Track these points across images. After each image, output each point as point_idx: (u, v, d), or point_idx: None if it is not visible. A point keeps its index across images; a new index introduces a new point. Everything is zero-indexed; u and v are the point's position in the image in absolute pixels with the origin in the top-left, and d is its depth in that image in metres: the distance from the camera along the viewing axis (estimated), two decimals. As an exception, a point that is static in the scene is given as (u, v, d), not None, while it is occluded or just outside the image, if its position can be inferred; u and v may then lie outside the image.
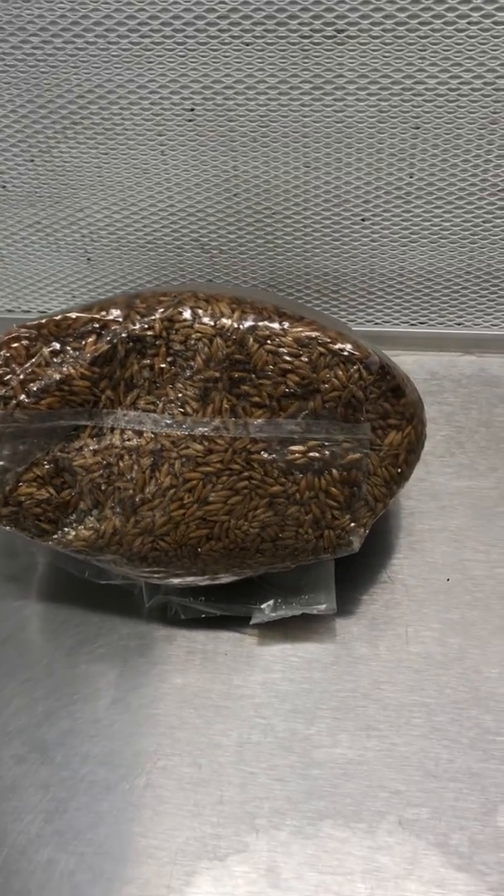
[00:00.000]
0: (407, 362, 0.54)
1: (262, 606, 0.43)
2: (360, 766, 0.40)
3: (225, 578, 0.41)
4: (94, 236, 0.53)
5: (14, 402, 0.38)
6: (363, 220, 0.50)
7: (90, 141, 0.48)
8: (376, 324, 0.56)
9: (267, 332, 0.38)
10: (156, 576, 0.41)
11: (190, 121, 0.47)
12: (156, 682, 0.43)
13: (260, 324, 0.38)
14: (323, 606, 0.42)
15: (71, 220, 0.52)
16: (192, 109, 0.46)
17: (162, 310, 0.38)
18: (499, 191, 0.48)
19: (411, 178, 0.48)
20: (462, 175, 0.47)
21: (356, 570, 0.46)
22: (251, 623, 0.43)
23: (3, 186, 0.51)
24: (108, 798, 0.40)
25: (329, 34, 0.42)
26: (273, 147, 0.47)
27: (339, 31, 0.42)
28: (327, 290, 0.54)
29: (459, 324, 0.55)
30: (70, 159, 0.49)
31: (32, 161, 0.49)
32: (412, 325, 0.55)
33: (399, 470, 0.40)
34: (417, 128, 0.46)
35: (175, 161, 0.48)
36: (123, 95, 0.46)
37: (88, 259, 0.54)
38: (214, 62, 0.44)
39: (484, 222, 0.50)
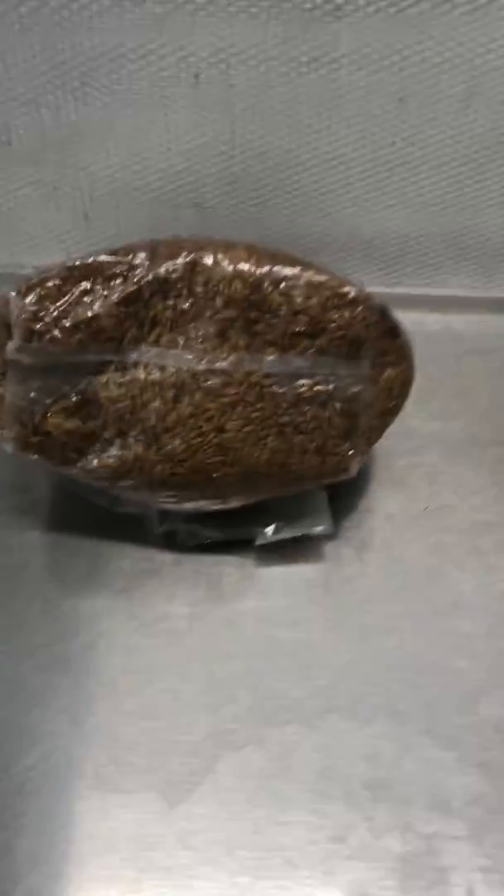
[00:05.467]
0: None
1: (265, 530, 0.47)
2: (356, 667, 0.45)
3: (234, 503, 0.46)
4: (94, 194, 0.56)
5: (47, 336, 0.42)
6: (348, 185, 0.55)
7: (97, 102, 0.51)
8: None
9: (281, 277, 0.42)
10: (172, 500, 0.45)
11: (194, 86, 0.50)
12: (165, 600, 0.47)
13: (275, 269, 0.42)
14: (321, 528, 0.47)
15: (72, 178, 0.55)
16: (197, 76, 0.50)
17: (185, 254, 0.42)
18: (470, 161, 0.53)
19: (393, 146, 0.53)
20: (438, 146, 0.52)
21: (343, 502, 0.51)
22: (256, 544, 0.48)
23: (9, 143, 0.54)
24: (130, 701, 0.44)
25: (328, 10, 0.47)
26: (270, 114, 0.51)
27: (337, 9, 0.47)
28: (311, 252, 0.58)
29: (427, 284, 0.61)
30: (76, 119, 0.52)
31: (40, 119, 0.52)
32: (387, 285, 0.60)
33: (393, 403, 0.45)
34: (402, 100, 0.50)
35: (177, 124, 0.52)
36: (133, 59, 0.49)
37: (86, 217, 0.57)
38: (220, 31, 0.48)
39: (455, 191, 0.55)
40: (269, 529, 0.47)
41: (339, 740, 0.43)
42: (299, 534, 0.47)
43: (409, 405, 0.56)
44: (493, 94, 0.50)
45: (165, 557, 0.49)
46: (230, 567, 0.49)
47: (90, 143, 0.53)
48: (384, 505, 0.52)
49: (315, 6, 0.47)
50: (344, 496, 0.51)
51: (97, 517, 0.49)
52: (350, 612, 0.47)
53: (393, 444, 0.54)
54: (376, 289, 0.60)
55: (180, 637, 0.46)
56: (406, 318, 0.61)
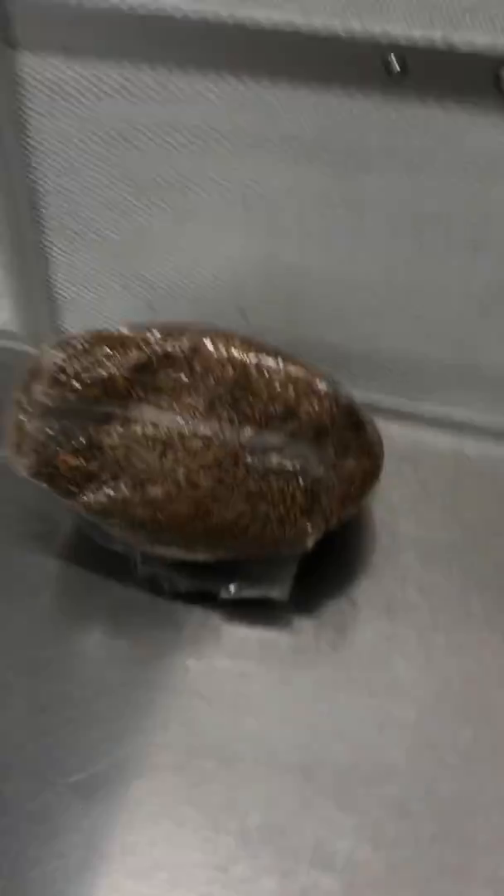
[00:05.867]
0: (393, 428, 0.64)
1: (230, 587, 0.53)
2: (283, 724, 0.49)
3: (200, 555, 0.52)
4: (157, 290, 0.66)
5: (68, 387, 0.50)
6: (370, 307, 0.62)
7: (164, 215, 0.62)
8: (373, 396, 0.67)
9: (265, 366, 0.50)
10: (148, 543, 0.52)
11: (244, 211, 0.60)
12: (132, 635, 0.53)
13: (261, 359, 0.50)
14: (276, 594, 0.52)
15: (140, 273, 0.66)
16: (247, 203, 0.59)
17: (190, 336, 0.51)
18: (477, 299, 0.60)
19: (414, 279, 0.60)
20: (450, 283, 0.59)
21: (314, 580, 0.55)
22: (219, 598, 0.53)
23: (94, 239, 0.65)
24: (76, 709, 0.49)
25: (358, 162, 0.56)
26: (306, 240, 0.60)
27: (365, 162, 0.55)
28: (338, 361, 0.65)
29: (440, 405, 0.66)
30: (147, 226, 0.63)
31: (119, 223, 0.63)
32: (400, 400, 0.66)
33: (354, 491, 0.51)
34: (419, 241, 0.58)
35: (227, 240, 0.62)
36: (196, 183, 0.60)
37: (151, 307, 0.68)
38: (270, 171, 0.58)
39: (465, 323, 0.61)
40: (233, 586, 0.53)
41: (246, 783, 0.46)
42: (257, 595, 0.53)
43: (402, 508, 0.62)
44: (499, 244, 0.57)
45: (143, 597, 0.55)
46: (198, 615, 0.54)
47: (155, 247, 0.64)
48: (351, 591, 0.56)
49: (347, 157, 0.56)
50: (315, 575, 0.55)
51: (94, 550, 0.56)
52: (292, 676, 0.51)
53: (375, 541, 0.59)
54: (390, 402, 0.67)
55: (135, 668, 0.52)
56: (416, 434, 0.67)
